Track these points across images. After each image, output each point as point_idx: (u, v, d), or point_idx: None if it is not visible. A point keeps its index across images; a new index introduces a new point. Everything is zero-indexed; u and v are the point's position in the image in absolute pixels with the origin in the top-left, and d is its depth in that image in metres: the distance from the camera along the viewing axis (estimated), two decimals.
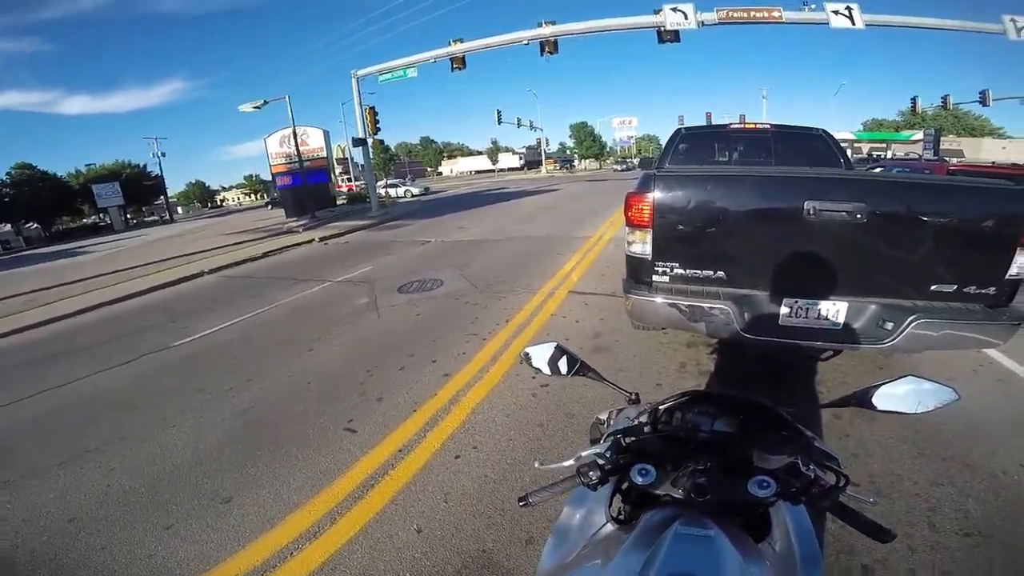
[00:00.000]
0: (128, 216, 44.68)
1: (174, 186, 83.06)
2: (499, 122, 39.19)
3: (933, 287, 2.78)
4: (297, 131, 19.95)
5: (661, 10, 16.01)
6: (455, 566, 2.13)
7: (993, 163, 14.08)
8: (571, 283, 6.50)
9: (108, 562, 2.37)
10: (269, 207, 36.74)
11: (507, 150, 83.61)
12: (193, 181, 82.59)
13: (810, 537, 1.01)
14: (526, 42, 18.33)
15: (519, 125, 47.63)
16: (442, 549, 2.22)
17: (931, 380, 1.05)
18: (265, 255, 11.53)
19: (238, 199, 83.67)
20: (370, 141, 21.60)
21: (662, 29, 16.24)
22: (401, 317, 5.66)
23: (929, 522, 2.23)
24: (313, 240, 13.36)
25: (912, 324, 2.73)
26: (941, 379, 1.07)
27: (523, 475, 2.66)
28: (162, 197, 48.44)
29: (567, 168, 67.06)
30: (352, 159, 43.17)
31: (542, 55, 18.23)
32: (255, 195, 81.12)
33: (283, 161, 21.34)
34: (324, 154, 22.03)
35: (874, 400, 1.06)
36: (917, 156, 29.83)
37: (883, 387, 1.06)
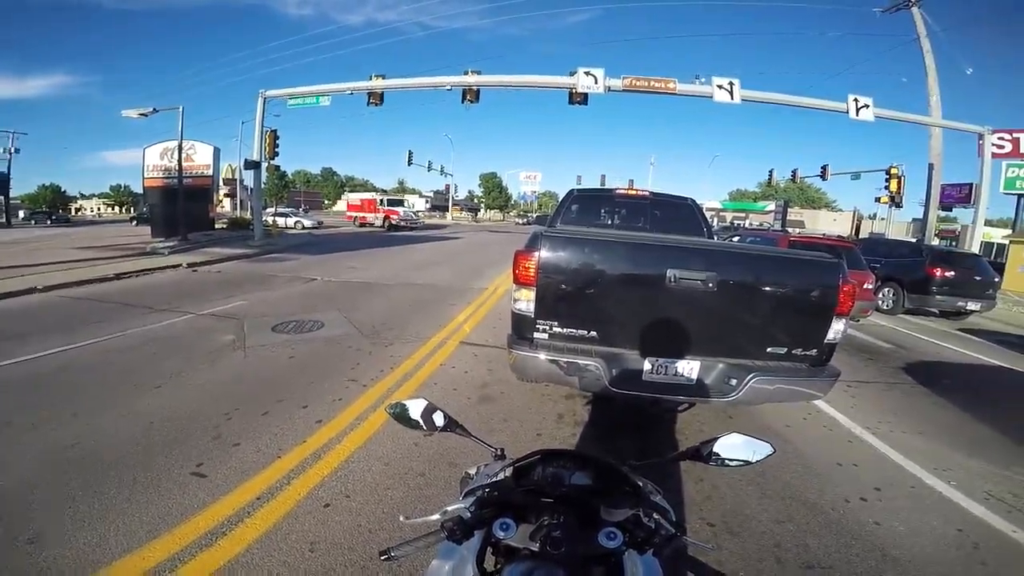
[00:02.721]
0: None
1: (23, 187, 70.94)
2: (409, 163, 39.91)
3: (769, 348, 3.17)
4: (184, 144, 18.18)
5: (576, 72, 17.32)
6: None
7: (824, 235, 16.71)
8: (463, 334, 6.46)
9: None
10: (134, 223, 32.73)
11: (414, 191, 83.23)
12: (46, 184, 71.33)
13: None
14: (449, 87, 18.74)
15: (430, 168, 48.10)
16: None
17: (752, 436, 1.22)
18: (118, 276, 10.03)
19: (97, 209, 73.39)
20: (265, 165, 20.39)
21: (574, 90, 17.49)
22: (272, 358, 5.17)
23: (776, 557, 2.45)
24: (180, 265, 11.90)
25: (752, 380, 3.06)
26: (764, 432, 1.21)
27: (401, 526, 2.49)
28: (1, 198, 41.07)
29: (472, 216, 68.58)
30: (242, 181, 40.16)
31: (463, 102, 18.69)
32: (120, 207, 71.79)
33: (160, 175, 19.28)
34: (210, 172, 20.28)
35: (707, 454, 1.20)
36: (768, 226, 34.81)
37: (715, 442, 1.20)
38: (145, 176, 19.65)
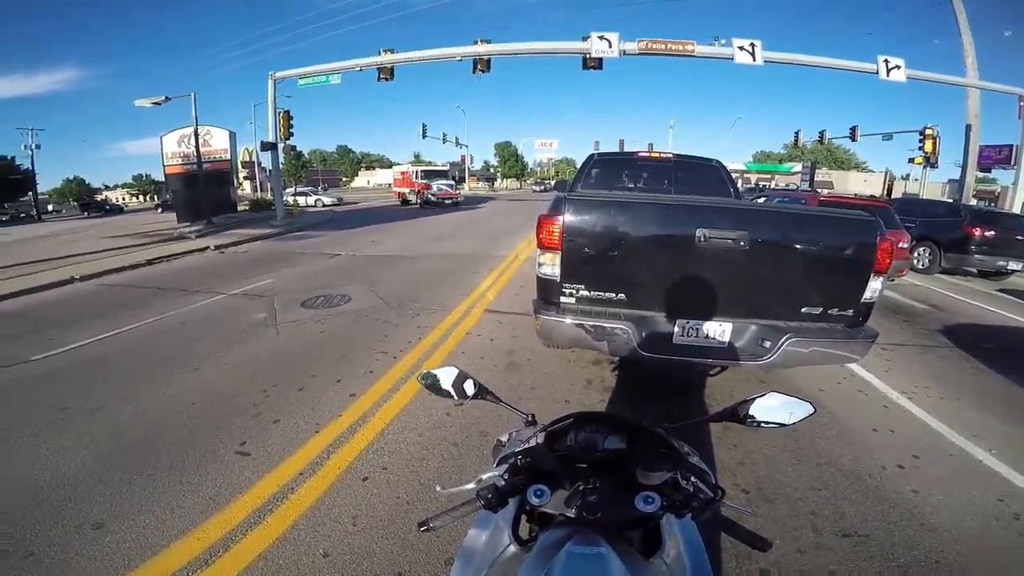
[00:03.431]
0: None
1: (49, 182, 72.97)
2: (423, 136, 39.06)
3: (803, 309, 3.08)
4: (200, 130, 18.32)
5: (589, 37, 16.79)
6: None
7: (855, 195, 16.15)
8: (487, 301, 6.50)
9: None
10: (159, 210, 33.44)
11: (430, 164, 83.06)
12: (71, 177, 73.23)
13: (699, 548, 1.06)
14: (459, 58, 18.36)
15: (444, 140, 47.61)
16: (353, 574, 2.09)
17: (791, 395, 1.18)
18: (150, 262, 10.31)
19: (123, 199, 75.06)
20: (281, 146, 20.48)
21: (588, 56, 16.99)
22: (303, 334, 5.29)
23: (812, 525, 2.43)
24: (208, 248, 12.17)
25: (786, 342, 3.00)
26: (800, 394, 1.17)
27: (438, 496, 2.55)
28: (30, 193, 42.57)
29: (489, 186, 68.04)
30: (259, 163, 40.47)
31: (474, 72, 18.32)
32: (144, 196, 73.32)
33: (180, 162, 19.52)
34: (228, 156, 20.50)
35: (743, 415, 1.17)
36: (795, 187, 33.66)
37: (751, 403, 1.17)
38: (165, 164, 19.90)
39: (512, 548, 1.04)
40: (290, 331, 5.39)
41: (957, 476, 2.94)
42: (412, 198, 28.44)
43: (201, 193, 17.84)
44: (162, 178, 23.90)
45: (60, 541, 2.29)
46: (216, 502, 2.56)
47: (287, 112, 19.67)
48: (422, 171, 29.36)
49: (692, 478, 0.96)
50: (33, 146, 40.12)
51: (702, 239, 2.94)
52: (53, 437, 3.24)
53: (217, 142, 20.03)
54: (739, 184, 7.01)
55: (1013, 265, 9.92)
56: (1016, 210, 16.46)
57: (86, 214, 41.11)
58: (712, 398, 3.76)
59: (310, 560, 2.16)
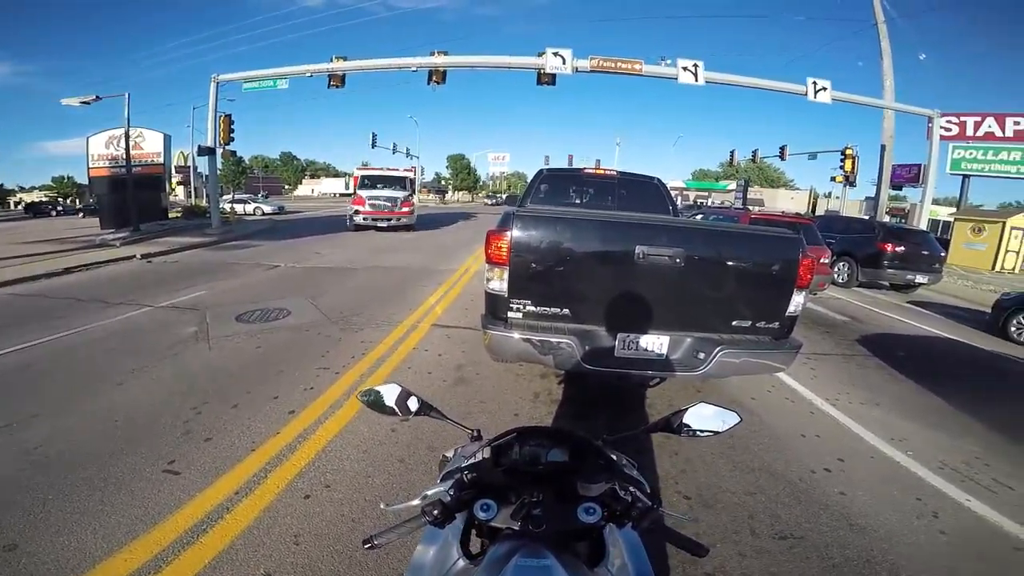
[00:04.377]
0: None
1: None
2: (373, 145, 37.82)
3: (734, 322, 3.26)
4: (132, 132, 17.18)
5: (544, 53, 17.18)
6: None
7: (783, 212, 17.32)
8: (435, 316, 6.42)
9: None
10: (82, 215, 30.95)
11: (378, 169, 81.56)
12: None
13: (642, 557, 1.09)
14: (415, 68, 18.27)
15: (395, 151, 46.67)
16: None
17: (719, 405, 1.24)
18: (68, 271, 9.47)
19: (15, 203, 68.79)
20: (220, 151, 19.53)
21: (542, 71, 17.35)
22: (237, 349, 5.02)
23: (751, 528, 2.54)
24: (134, 257, 11.31)
25: (719, 353, 3.16)
26: (730, 404, 1.23)
27: (382, 513, 2.48)
28: None
29: (440, 198, 67.66)
30: (195, 168, 38.34)
31: (429, 83, 18.27)
32: (65, 199, 67.51)
33: (107, 164, 18.26)
34: (161, 160, 19.41)
35: (677, 424, 1.22)
36: (730, 204, 35.68)
37: (684, 413, 1.22)
38: (90, 166, 18.62)
39: (461, 563, 1.05)
40: (223, 346, 5.09)
41: (879, 477, 3.16)
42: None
43: (129, 198, 16.64)
44: (86, 180, 22.15)
45: None
46: (144, 522, 2.40)
47: (228, 116, 18.81)
48: (365, 176, 19.31)
49: (630, 488, 0.99)
50: None
51: (641, 256, 3.05)
52: None
53: (150, 145, 18.92)
54: (679, 201, 7.36)
55: (920, 278, 10.90)
56: (923, 226, 18.11)
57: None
58: (653, 408, 3.89)
59: None
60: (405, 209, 18.22)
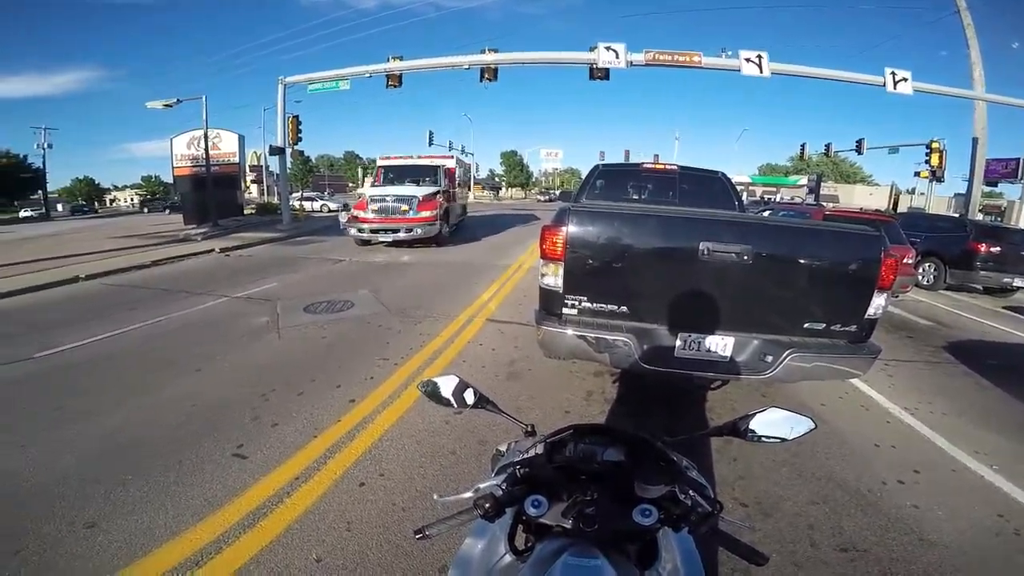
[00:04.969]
0: None
1: (59, 180, 73.55)
2: (430, 143, 38.82)
3: (806, 324, 3.08)
4: (210, 133, 18.52)
5: (596, 47, 16.88)
6: None
7: (861, 209, 16.15)
8: (489, 311, 6.50)
9: None
10: (167, 211, 33.69)
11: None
12: (80, 177, 73.72)
13: (695, 562, 1.06)
14: (467, 67, 18.46)
15: (451, 148, 47.58)
16: None
17: (791, 411, 1.17)
18: (155, 263, 10.39)
19: (131, 200, 75.68)
20: (289, 150, 20.63)
21: (594, 66, 17.05)
22: (304, 339, 5.31)
23: (810, 539, 2.41)
24: (213, 250, 12.24)
25: (788, 357, 2.99)
26: (801, 409, 1.17)
27: (435, 504, 2.53)
28: (40, 192, 43.18)
29: (494, 195, 68.18)
30: (267, 167, 40.77)
31: (481, 81, 18.43)
32: (153, 197, 73.96)
33: (189, 164, 19.70)
34: (236, 160, 20.64)
35: (743, 430, 1.16)
36: (800, 201, 33.63)
37: (752, 418, 1.16)
38: (174, 165, 20.05)
39: (508, 558, 1.04)
40: (292, 336, 5.40)
41: (958, 491, 2.92)
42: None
43: (209, 196, 17.96)
44: (171, 179, 24.08)
45: (51, 539, 2.30)
46: (211, 504, 2.56)
47: (296, 117, 19.82)
48: (387, 167, 14.82)
49: (690, 492, 0.96)
50: (45, 145, 40.76)
51: (705, 252, 2.94)
52: (48, 435, 3.26)
53: (226, 145, 20.17)
54: (744, 197, 7.02)
55: (1019, 282, 9.85)
56: (1022, 225, 16.33)
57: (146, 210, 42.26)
58: (713, 412, 3.74)
59: (302, 564, 2.16)
60: (425, 213, 12.08)
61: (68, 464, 2.92)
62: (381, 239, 12.14)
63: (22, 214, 38.77)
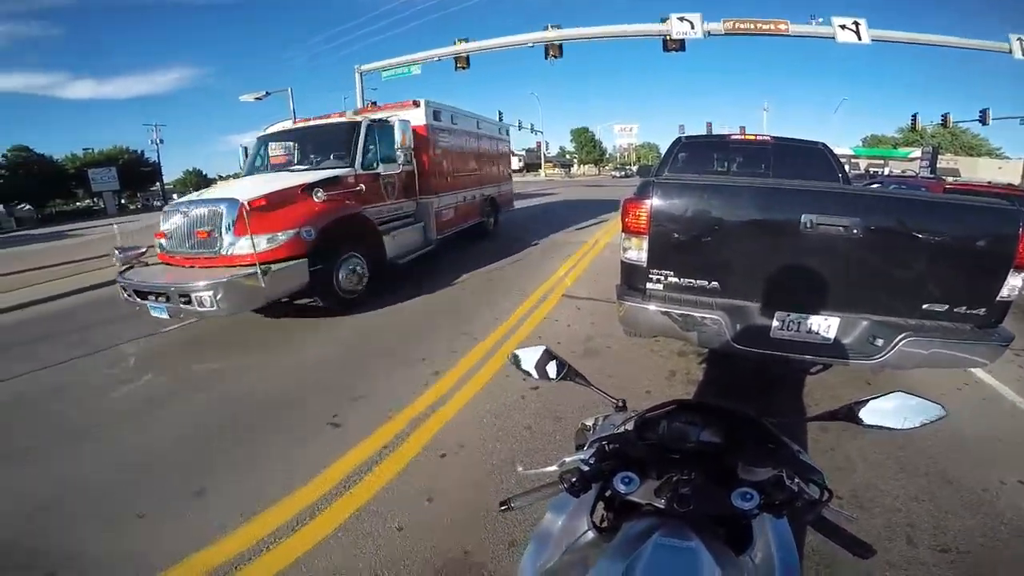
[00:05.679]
0: (123, 201, 44.80)
1: (171, 173, 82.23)
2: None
3: (924, 305, 2.78)
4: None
5: (668, 19, 16.05)
6: (435, 566, 2.10)
7: (989, 183, 14.20)
8: (564, 287, 6.50)
9: (81, 555, 2.29)
10: None
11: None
12: (191, 169, 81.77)
13: (791, 551, 1.01)
14: (531, 44, 18.38)
15: (520, 127, 47.46)
16: (423, 548, 2.19)
17: (919, 396, 1.07)
18: None
19: None
20: None
21: (668, 38, 16.28)
22: (397, 313, 5.67)
23: (908, 537, 2.24)
24: None
25: (902, 341, 2.73)
26: (929, 395, 1.07)
27: (509, 477, 2.62)
28: (157, 183, 48.61)
29: (565, 172, 67.15)
30: None
31: (547, 58, 18.25)
32: None
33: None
34: None
35: (861, 415, 1.07)
36: (914, 174, 30.05)
37: (871, 402, 1.08)
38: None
39: (590, 535, 1.02)
40: (387, 312, 5.74)
41: None
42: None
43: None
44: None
45: (167, 504, 2.57)
46: (310, 469, 2.76)
47: (374, 103, 20.64)
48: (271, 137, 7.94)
49: (796, 478, 0.92)
50: (157, 140, 45.49)
51: (808, 225, 2.73)
52: (173, 406, 3.69)
53: None
54: (847, 170, 6.40)
55: None
56: None
57: None
58: (810, 398, 3.50)
59: (385, 533, 2.29)
60: (261, 244, 4.67)
61: (193, 426, 3.33)
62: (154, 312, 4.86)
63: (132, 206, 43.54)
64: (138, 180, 47.23)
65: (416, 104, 7.70)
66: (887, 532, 2.27)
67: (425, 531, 2.29)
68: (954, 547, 2.18)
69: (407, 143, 6.81)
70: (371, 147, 6.46)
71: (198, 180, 79.19)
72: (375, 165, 6.46)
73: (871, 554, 0.83)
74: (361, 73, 20.60)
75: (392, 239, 6.52)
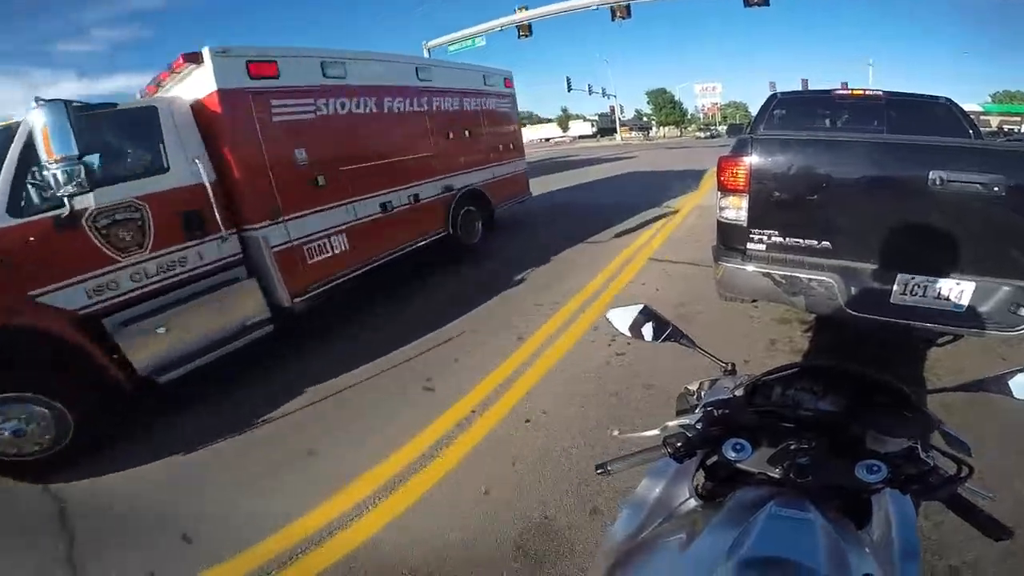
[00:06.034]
0: None
1: None
2: (568, 89, 37.84)
3: None
4: None
5: None
6: (518, 529, 2.15)
7: None
8: (651, 250, 6.33)
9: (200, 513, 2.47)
10: None
11: (578, 117, 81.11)
12: None
13: (912, 529, 0.95)
14: (595, 7, 17.76)
15: (590, 92, 46.00)
16: (507, 512, 2.24)
17: None
18: None
19: None
20: None
21: None
22: (491, 272, 5.86)
23: None
24: None
25: None
26: None
27: (593, 444, 2.65)
28: None
29: (644, 135, 64.26)
30: None
31: (613, 20, 17.56)
32: None
33: None
34: None
35: (1012, 385, 0.98)
36: None
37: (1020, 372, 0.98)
38: None
39: (692, 502, 0.99)
40: (476, 273, 5.95)
41: None
42: None
43: None
44: None
45: (283, 469, 2.74)
46: (408, 432, 2.89)
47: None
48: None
49: (931, 451, 0.86)
50: None
51: (937, 182, 2.46)
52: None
53: None
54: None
55: None
56: None
57: None
58: (931, 372, 3.17)
59: (472, 496, 2.37)
60: None
61: (310, 378, 3.64)
62: None
63: None
64: None
65: (195, 60, 3.85)
66: (1012, 518, 2.00)
67: (510, 495, 2.35)
68: None
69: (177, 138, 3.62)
70: (64, 158, 2.74)
71: None
72: (76, 192, 2.84)
73: (1009, 536, 0.76)
74: (429, 49, 20.82)
75: (154, 338, 3.27)
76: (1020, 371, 0.99)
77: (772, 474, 0.89)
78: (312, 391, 3.53)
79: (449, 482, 2.50)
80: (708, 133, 50.86)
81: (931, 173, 2.48)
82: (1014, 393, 0.98)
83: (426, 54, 20.65)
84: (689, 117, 72.19)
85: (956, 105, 4.78)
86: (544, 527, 2.15)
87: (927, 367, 3.26)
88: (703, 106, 67.05)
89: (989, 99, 51.96)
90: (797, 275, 2.82)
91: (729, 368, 1.29)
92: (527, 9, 18.98)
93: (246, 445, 3.00)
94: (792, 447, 0.89)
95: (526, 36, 19.19)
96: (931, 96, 4.98)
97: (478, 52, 20.70)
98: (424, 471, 2.59)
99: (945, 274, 2.63)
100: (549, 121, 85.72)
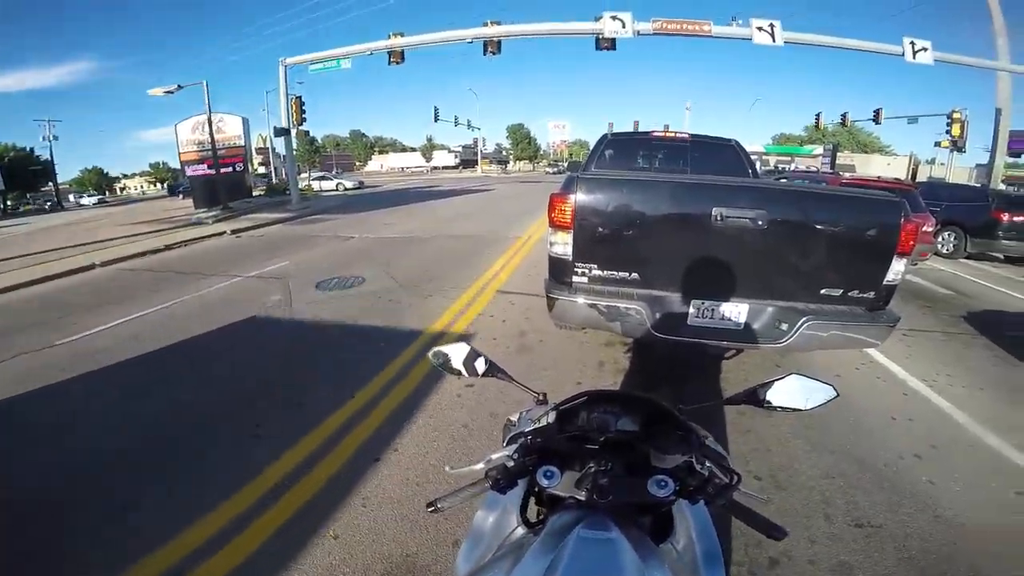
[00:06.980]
0: (8, 204, 40.06)
1: (68, 172, 74.03)
2: (436, 119, 38.43)
3: (823, 291, 3.01)
4: (213, 118, 18.56)
5: (601, 17, 16.47)
6: (378, 572, 2.04)
7: (879, 178, 15.74)
8: (499, 282, 6.49)
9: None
10: (180, 196, 33.99)
11: (442, 148, 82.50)
12: (89, 167, 73.93)
13: (710, 535, 1.03)
14: (470, 40, 18.26)
15: (456, 124, 47.22)
16: (362, 554, 2.12)
17: (813, 378, 1.13)
18: (168, 247, 10.49)
19: (142, 187, 76.20)
20: (294, 131, 20.57)
21: (600, 36, 16.70)
22: (318, 315, 5.36)
23: (824, 514, 2.39)
24: (224, 232, 12.32)
25: (804, 325, 2.93)
26: (821, 377, 1.13)
27: (447, 477, 2.54)
28: (50, 183, 43.85)
29: (502, 168, 67.52)
30: (274, 149, 40.71)
31: (485, 54, 18.23)
32: (161, 183, 74.10)
33: (195, 149, 19.85)
34: (242, 143, 20.83)
35: (764, 397, 1.12)
36: (816, 170, 32.86)
37: (772, 385, 1.12)
38: (180, 151, 20.34)
39: (520, 530, 1.02)
40: (304, 312, 5.44)
41: (976, 468, 2.85)
42: None
43: (217, 179, 18.05)
44: (178, 165, 24.25)
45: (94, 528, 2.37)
46: (233, 487, 2.58)
47: (299, 98, 19.71)
48: None
49: (707, 463, 0.93)
50: (51, 137, 41.13)
51: (718, 218, 2.87)
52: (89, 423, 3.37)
53: (231, 128, 20.31)
54: (758, 167, 6.84)
55: None
56: None
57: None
58: (726, 382, 3.71)
59: (320, 542, 2.20)
60: None
61: (110, 450, 3.02)
62: None
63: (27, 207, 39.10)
64: (27, 180, 42.58)
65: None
66: (804, 509, 2.41)
67: (363, 536, 2.22)
68: (867, 521, 2.35)
69: None
70: None
71: (98, 179, 71.91)
72: None
73: (783, 535, 0.84)
74: (286, 66, 19.58)
75: None
76: (769, 383, 1.13)
77: (579, 497, 0.92)
78: (118, 448, 2.95)
79: (291, 529, 2.29)
80: (556, 168, 55.22)
81: (714, 209, 2.88)
82: (765, 404, 1.12)
83: (282, 71, 19.45)
84: (542, 152, 77.71)
85: (741, 146, 5.75)
86: (406, 564, 2.08)
87: (723, 378, 3.78)
88: (553, 143, 72.72)
89: (771, 140, 64.34)
90: (615, 304, 3.07)
91: (541, 397, 1.34)
92: (402, 36, 18.75)
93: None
94: (592, 469, 0.93)
95: (398, 62, 18.95)
96: (723, 138, 5.94)
97: (341, 74, 20.09)
98: (260, 520, 2.35)
99: (727, 298, 3.05)
100: (413, 150, 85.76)
